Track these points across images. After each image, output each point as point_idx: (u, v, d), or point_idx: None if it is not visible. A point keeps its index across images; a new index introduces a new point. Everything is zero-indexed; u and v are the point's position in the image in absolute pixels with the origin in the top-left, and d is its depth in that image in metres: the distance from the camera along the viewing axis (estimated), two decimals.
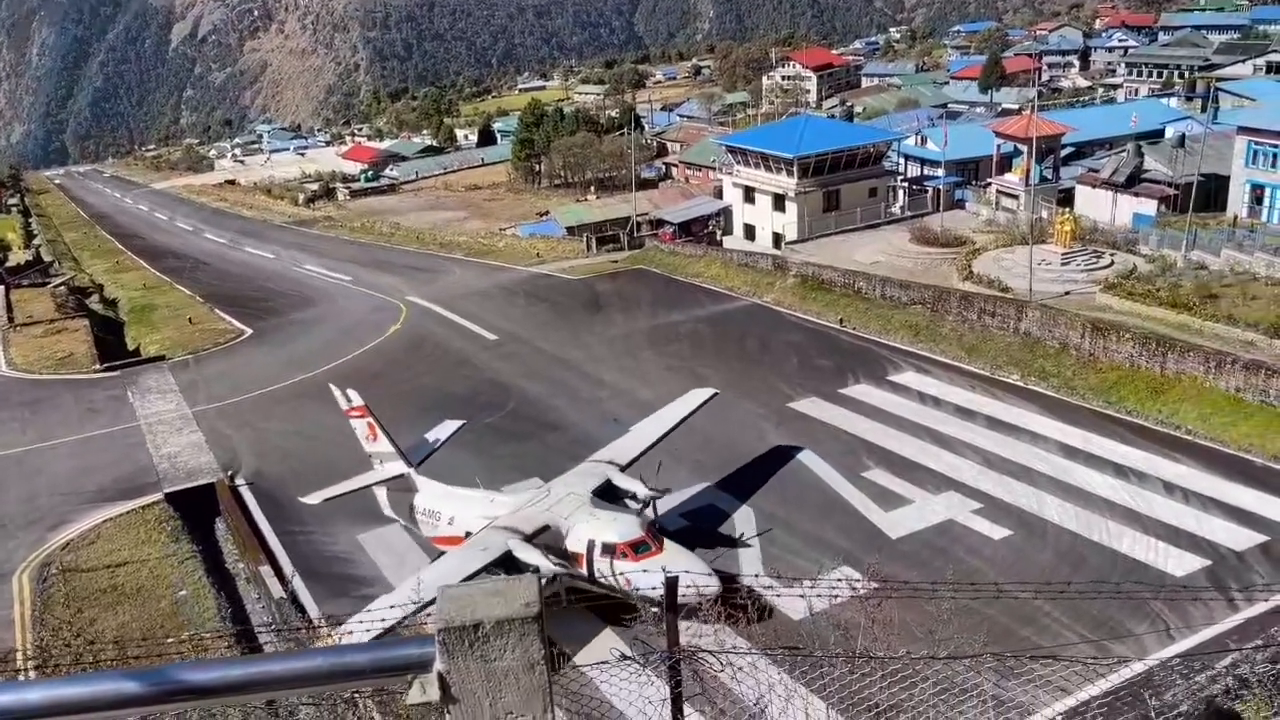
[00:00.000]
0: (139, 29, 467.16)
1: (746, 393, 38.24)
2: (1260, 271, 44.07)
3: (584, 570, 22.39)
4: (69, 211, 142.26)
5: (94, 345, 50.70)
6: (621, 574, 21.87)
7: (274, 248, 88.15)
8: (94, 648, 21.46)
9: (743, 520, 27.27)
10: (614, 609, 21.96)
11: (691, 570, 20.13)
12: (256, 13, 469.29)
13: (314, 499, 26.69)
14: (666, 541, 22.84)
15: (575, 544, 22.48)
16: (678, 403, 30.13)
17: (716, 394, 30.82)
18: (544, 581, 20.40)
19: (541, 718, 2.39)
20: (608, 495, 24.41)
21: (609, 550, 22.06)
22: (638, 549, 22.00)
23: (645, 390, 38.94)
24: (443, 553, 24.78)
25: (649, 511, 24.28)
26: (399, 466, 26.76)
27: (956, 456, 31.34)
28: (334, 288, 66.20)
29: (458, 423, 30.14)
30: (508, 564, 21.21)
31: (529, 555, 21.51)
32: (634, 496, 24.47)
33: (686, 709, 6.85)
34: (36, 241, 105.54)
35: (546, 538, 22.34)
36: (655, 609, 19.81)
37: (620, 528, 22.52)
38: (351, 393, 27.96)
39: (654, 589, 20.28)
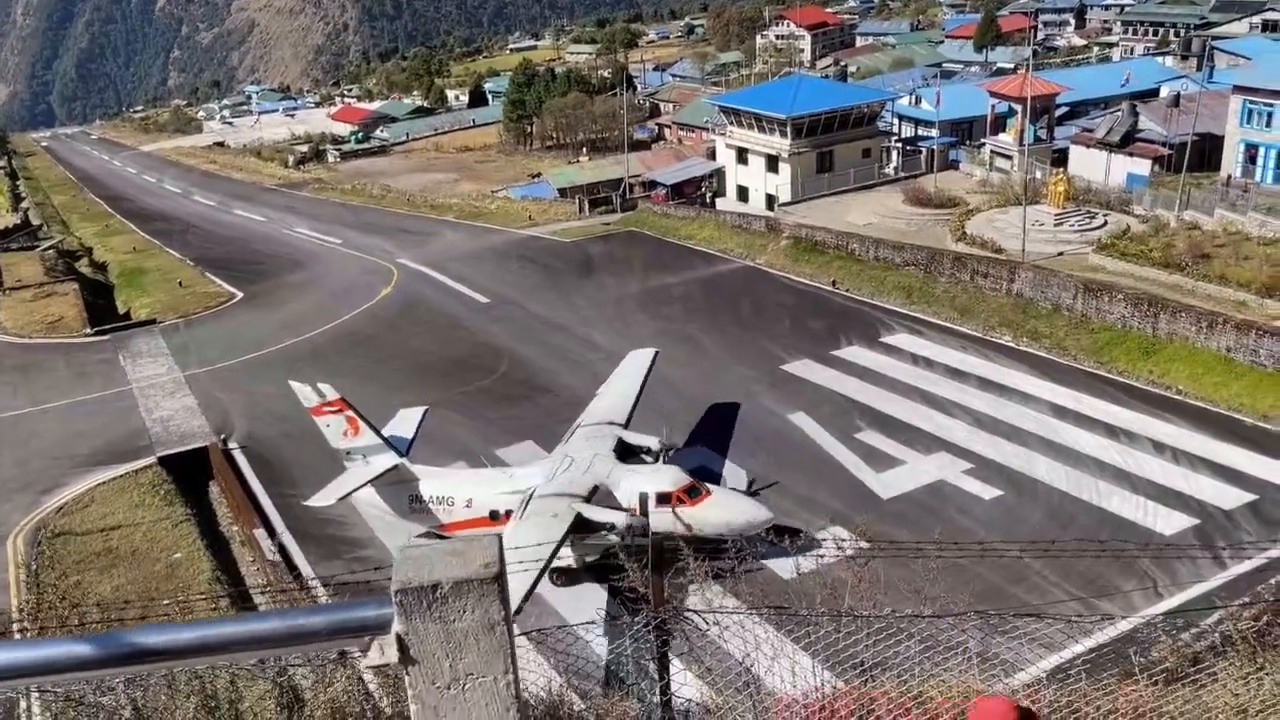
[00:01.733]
0: None
1: (739, 355, 38.26)
2: (1253, 231, 44.00)
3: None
4: (57, 174, 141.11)
5: (84, 309, 50.49)
6: (682, 519, 22.38)
7: (264, 210, 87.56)
8: (79, 610, 21.52)
9: (735, 480, 27.36)
10: (602, 569, 22.13)
11: (742, 508, 23.01)
12: None
13: (319, 501, 25.34)
14: (709, 484, 23.81)
15: (627, 498, 22.97)
16: (626, 366, 30.18)
17: (658, 353, 31.15)
18: (624, 530, 21.63)
19: (503, 678, 2.36)
20: (621, 453, 25.02)
21: (665, 499, 22.64)
22: (691, 494, 22.88)
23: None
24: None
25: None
26: (389, 458, 25.06)
27: (948, 417, 31.45)
28: (324, 251, 65.85)
29: (420, 409, 28.35)
30: (581, 527, 21.83)
31: (600, 514, 22.23)
32: (648, 451, 25.25)
33: (673, 666, 6.93)
34: (24, 205, 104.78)
35: (601, 497, 22.95)
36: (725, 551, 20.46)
37: (668, 477, 23.38)
38: (325, 387, 25.68)
39: (719, 528, 21.85)
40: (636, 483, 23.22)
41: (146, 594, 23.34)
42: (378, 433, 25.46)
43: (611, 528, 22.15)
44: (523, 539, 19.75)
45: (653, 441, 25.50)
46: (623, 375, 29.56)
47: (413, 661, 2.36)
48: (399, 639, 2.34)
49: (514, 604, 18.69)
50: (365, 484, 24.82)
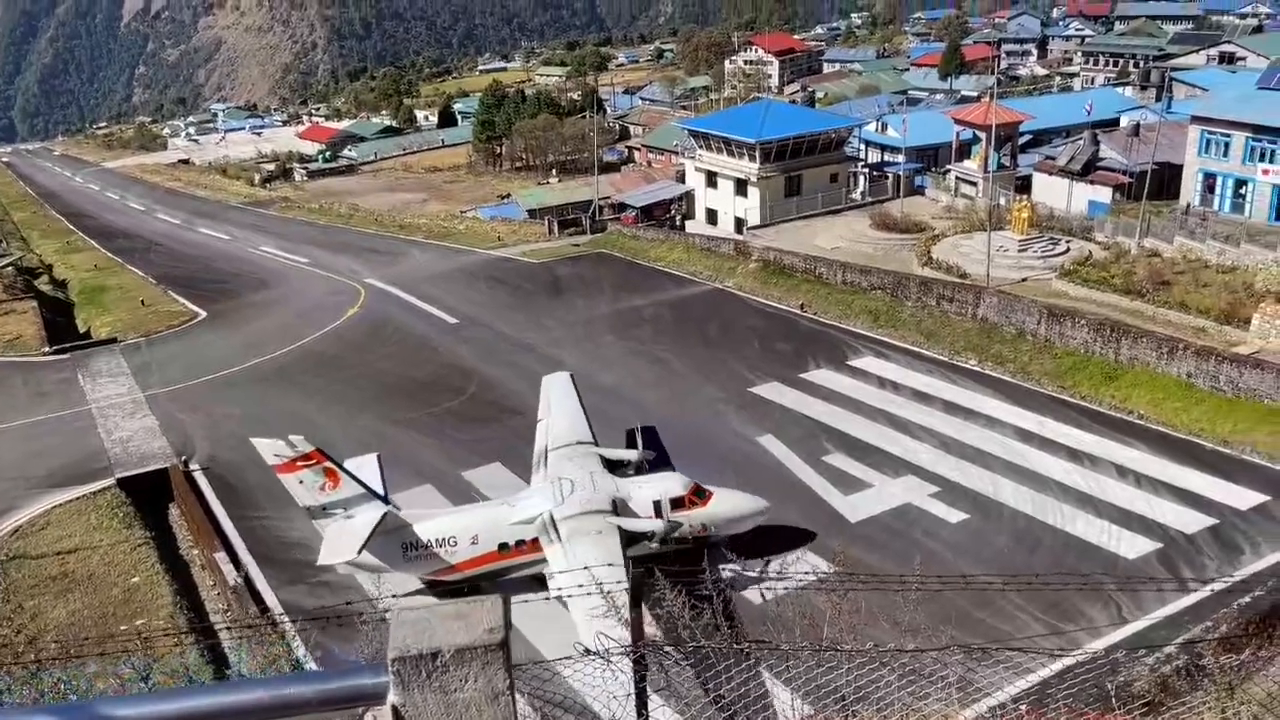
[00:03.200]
0: (89, 4, 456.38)
1: (708, 377, 38.25)
2: (1211, 259, 44.83)
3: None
4: (17, 190, 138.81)
5: (43, 327, 49.57)
6: (699, 520, 23.71)
7: (229, 229, 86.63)
8: (35, 645, 20.87)
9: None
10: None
11: (744, 501, 24.58)
12: None
13: (331, 559, 23.30)
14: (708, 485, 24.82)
15: (642, 508, 23.72)
16: (553, 391, 30.13)
17: (571, 374, 31.37)
18: (662, 535, 22.39)
19: None
20: (606, 469, 25.47)
21: (678, 503, 23.73)
22: (699, 495, 24.04)
23: (606, 374, 38.81)
24: (455, 581, 23.38)
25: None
26: (375, 508, 23.47)
27: (914, 441, 31.60)
28: (291, 270, 65.21)
29: (372, 456, 26.37)
30: (626, 539, 22.47)
31: (638, 525, 23.09)
32: (627, 463, 25.89)
33: (652, 701, 6.80)
34: None
35: (624, 509, 23.56)
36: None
37: (674, 483, 24.36)
38: (297, 439, 23.43)
39: (729, 523, 23.93)
40: (647, 492, 24.05)
41: (103, 620, 22.80)
42: (359, 481, 23.86)
43: (651, 536, 23.07)
44: (583, 558, 20.24)
45: (631, 454, 26.22)
46: (559, 399, 29.47)
47: None
48: (395, 711, 2.15)
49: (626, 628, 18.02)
50: (371, 536, 22.85)
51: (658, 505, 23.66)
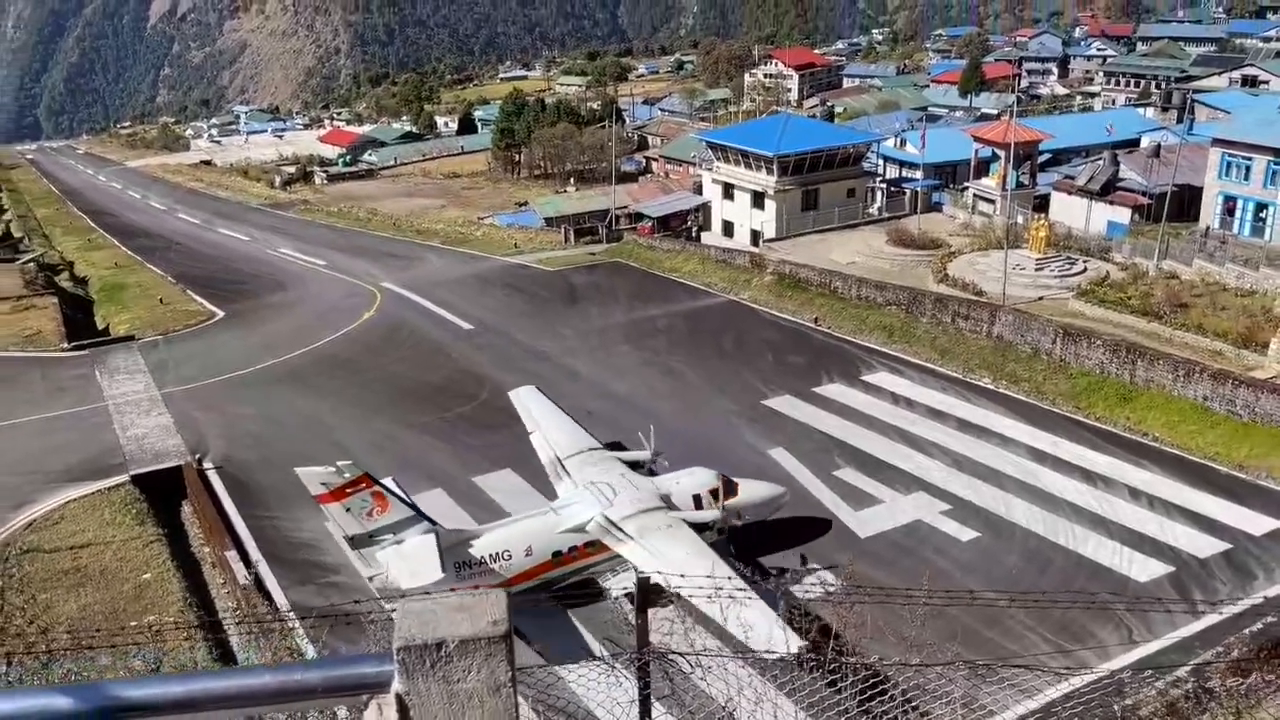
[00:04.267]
0: (117, 4, 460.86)
1: (721, 388, 38.24)
2: (1230, 282, 44.56)
3: None
4: (41, 187, 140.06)
5: (62, 323, 49.94)
6: (732, 508, 24.93)
7: (248, 230, 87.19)
8: (47, 636, 21.00)
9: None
10: (585, 607, 21.99)
11: (768, 488, 26.22)
12: None
13: (420, 583, 21.59)
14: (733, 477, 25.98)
15: (684, 502, 24.61)
16: (530, 404, 30.43)
17: (538, 386, 31.79)
18: (720, 525, 23.54)
19: None
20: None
21: (715, 494, 24.76)
22: (729, 487, 25.16)
23: (618, 383, 38.86)
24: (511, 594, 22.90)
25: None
26: (424, 528, 22.64)
27: (926, 458, 31.51)
28: (308, 272, 65.57)
29: (388, 480, 24.62)
30: (696, 530, 23.40)
31: (699, 517, 24.08)
32: (641, 463, 26.53)
33: (655, 709, 6.82)
34: (7, 217, 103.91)
35: (669, 504, 24.36)
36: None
37: (707, 475, 25.41)
38: (344, 464, 22.42)
39: (759, 510, 25.38)
40: (685, 486, 25.05)
41: (114, 615, 22.92)
42: (406, 502, 22.99)
43: (711, 526, 24.02)
44: (668, 553, 21.38)
45: (644, 455, 26.83)
46: (542, 411, 29.81)
47: None
48: (399, 699, 2.21)
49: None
50: (441, 563, 21.90)
51: (698, 498, 24.66)
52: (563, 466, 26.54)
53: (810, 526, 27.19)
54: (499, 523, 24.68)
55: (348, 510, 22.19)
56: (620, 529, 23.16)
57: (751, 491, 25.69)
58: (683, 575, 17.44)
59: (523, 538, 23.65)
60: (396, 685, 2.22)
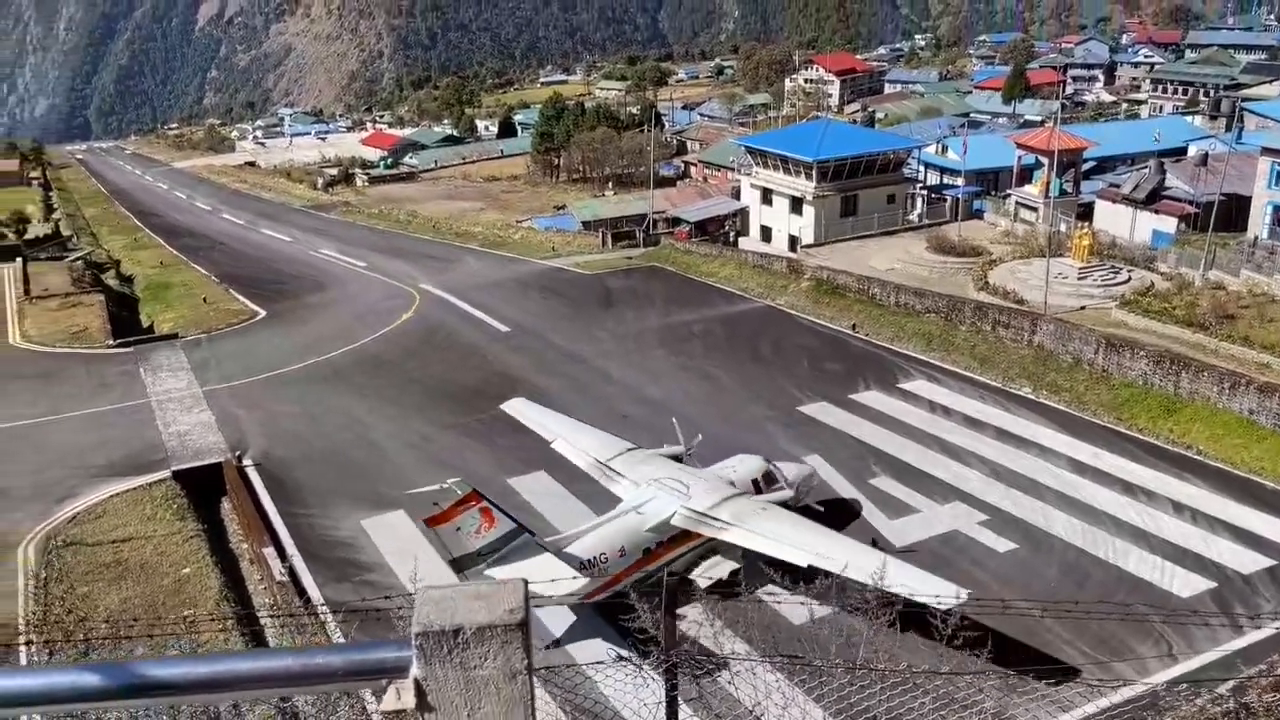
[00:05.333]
0: (166, 8, 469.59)
1: (756, 394, 38.11)
2: (1279, 293, 43.70)
3: None
4: (89, 187, 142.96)
5: (108, 320, 50.84)
6: (797, 484, 26.68)
7: (291, 230, 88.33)
8: (85, 625, 21.36)
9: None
10: (613, 608, 21.91)
11: (803, 468, 28.13)
12: None
13: (562, 590, 20.67)
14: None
15: (744, 488, 25.58)
16: (532, 414, 31.00)
17: (525, 398, 32.55)
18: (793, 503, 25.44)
19: None
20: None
21: (767, 478, 26.38)
22: (777, 470, 26.82)
23: (654, 388, 38.86)
24: (606, 597, 22.41)
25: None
26: (526, 540, 21.74)
27: (964, 467, 31.17)
28: (348, 273, 66.28)
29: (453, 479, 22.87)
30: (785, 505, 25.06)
31: (777, 496, 25.52)
32: (679, 457, 27.38)
33: (682, 711, 6.79)
34: (56, 215, 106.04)
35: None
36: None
37: (755, 461, 26.95)
38: (455, 481, 21.36)
39: (800, 483, 26.84)
40: (743, 473, 26.18)
41: (153, 608, 23.28)
42: (507, 514, 21.86)
43: (787, 505, 25.06)
44: (778, 533, 22.75)
45: (679, 449, 27.60)
46: (551, 419, 30.39)
47: (430, 709, 2.26)
48: (417, 684, 2.25)
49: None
50: (584, 583, 21.80)
51: (756, 483, 25.77)
52: (609, 469, 26.79)
53: (845, 534, 26.99)
54: (585, 527, 24.22)
55: (458, 530, 20.98)
56: (713, 517, 23.80)
57: (792, 472, 27.06)
58: (807, 551, 20.69)
59: (614, 539, 23.61)
60: (415, 670, 2.24)
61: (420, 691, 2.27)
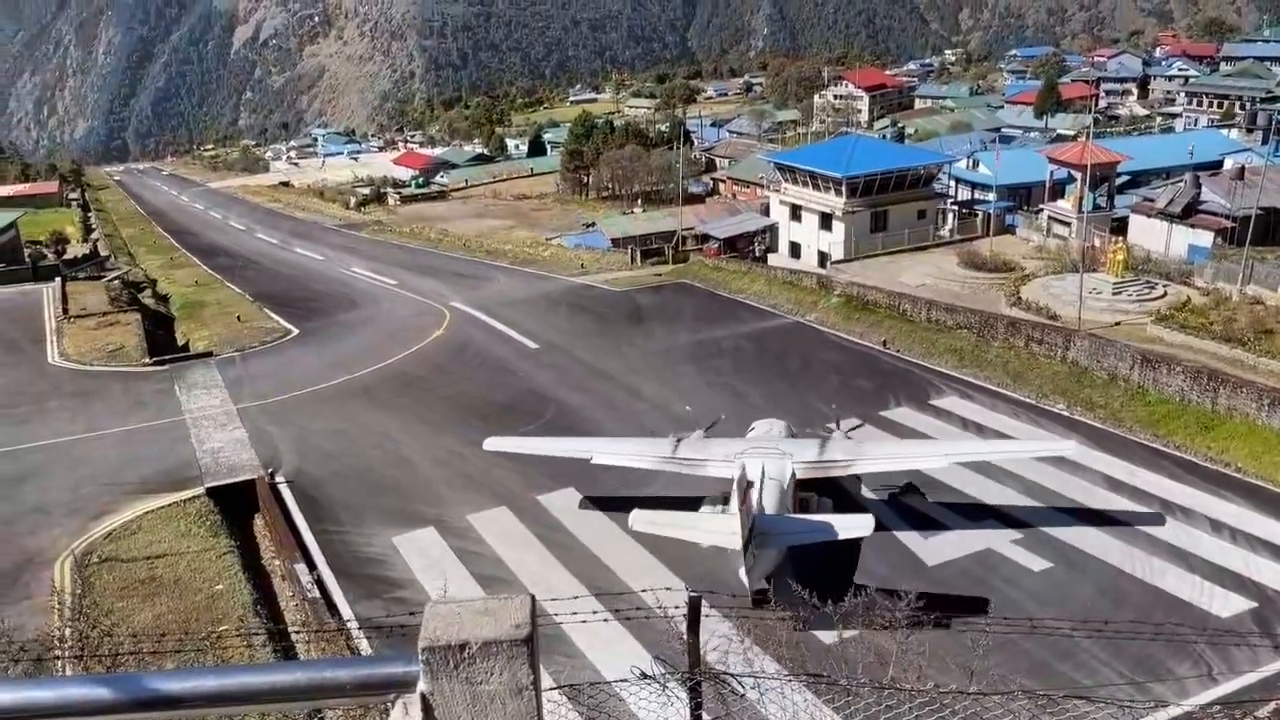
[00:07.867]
0: (202, 31, 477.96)
1: (786, 411, 37.81)
2: None
3: None
4: (127, 207, 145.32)
5: (144, 339, 51.55)
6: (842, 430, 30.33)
7: (323, 249, 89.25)
8: (112, 640, 21.54)
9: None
10: (638, 623, 21.78)
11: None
12: (317, 19, 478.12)
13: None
14: None
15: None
16: (523, 447, 32.14)
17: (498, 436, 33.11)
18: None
19: None
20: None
21: (791, 432, 29.80)
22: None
23: (682, 404, 38.78)
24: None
25: None
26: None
27: (997, 484, 30.79)
28: (380, 291, 66.84)
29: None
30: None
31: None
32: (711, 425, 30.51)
33: None
34: (94, 235, 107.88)
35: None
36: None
37: (778, 422, 30.42)
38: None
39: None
40: (780, 429, 29.70)
41: (186, 625, 23.46)
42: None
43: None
44: (884, 451, 28.79)
45: (700, 433, 30.25)
46: (561, 442, 32.22)
47: None
48: (424, 699, 2.23)
49: None
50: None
51: (794, 435, 29.77)
52: (682, 460, 28.00)
53: (875, 553, 26.73)
54: (737, 507, 23.52)
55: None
56: (832, 461, 26.87)
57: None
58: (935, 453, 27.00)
59: (775, 506, 24.46)
60: (422, 685, 2.23)
61: (427, 706, 2.25)
